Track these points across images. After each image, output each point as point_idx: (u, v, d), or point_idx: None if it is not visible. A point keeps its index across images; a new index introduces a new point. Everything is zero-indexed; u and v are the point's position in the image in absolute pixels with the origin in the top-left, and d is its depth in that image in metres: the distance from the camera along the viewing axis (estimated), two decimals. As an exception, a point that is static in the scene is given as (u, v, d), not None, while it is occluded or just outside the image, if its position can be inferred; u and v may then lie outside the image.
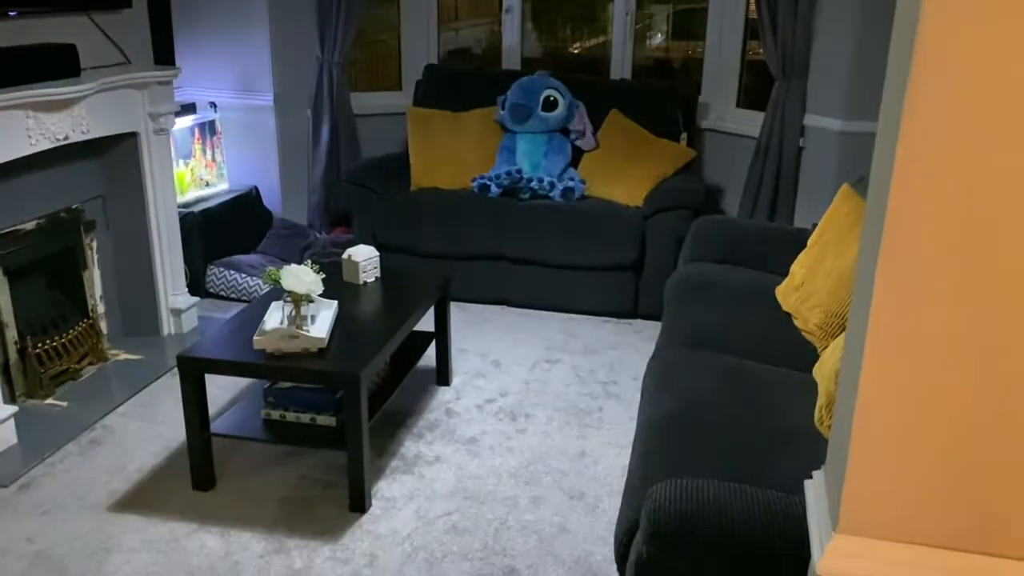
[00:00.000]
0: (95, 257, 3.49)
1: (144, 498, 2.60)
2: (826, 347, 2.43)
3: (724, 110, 4.54)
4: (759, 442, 2.07)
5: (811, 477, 1.30)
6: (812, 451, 2.02)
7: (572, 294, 4.02)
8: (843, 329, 2.47)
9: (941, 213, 0.91)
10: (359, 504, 2.53)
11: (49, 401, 3.15)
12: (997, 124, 0.87)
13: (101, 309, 3.53)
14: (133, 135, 3.44)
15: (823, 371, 2.23)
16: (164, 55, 3.81)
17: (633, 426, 3.02)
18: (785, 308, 2.80)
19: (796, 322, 2.68)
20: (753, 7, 4.22)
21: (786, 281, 2.90)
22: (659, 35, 5.53)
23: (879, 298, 0.94)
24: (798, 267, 2.87)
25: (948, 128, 0.89)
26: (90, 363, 3.41)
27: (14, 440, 2.86)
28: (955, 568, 0.97)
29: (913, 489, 0.98)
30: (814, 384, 2.26)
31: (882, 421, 0.96)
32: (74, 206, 3.36)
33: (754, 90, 4.47)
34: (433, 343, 3.29)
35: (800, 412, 2.18)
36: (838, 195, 2.90)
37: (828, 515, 1.04)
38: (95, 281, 3.50)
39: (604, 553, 2.37)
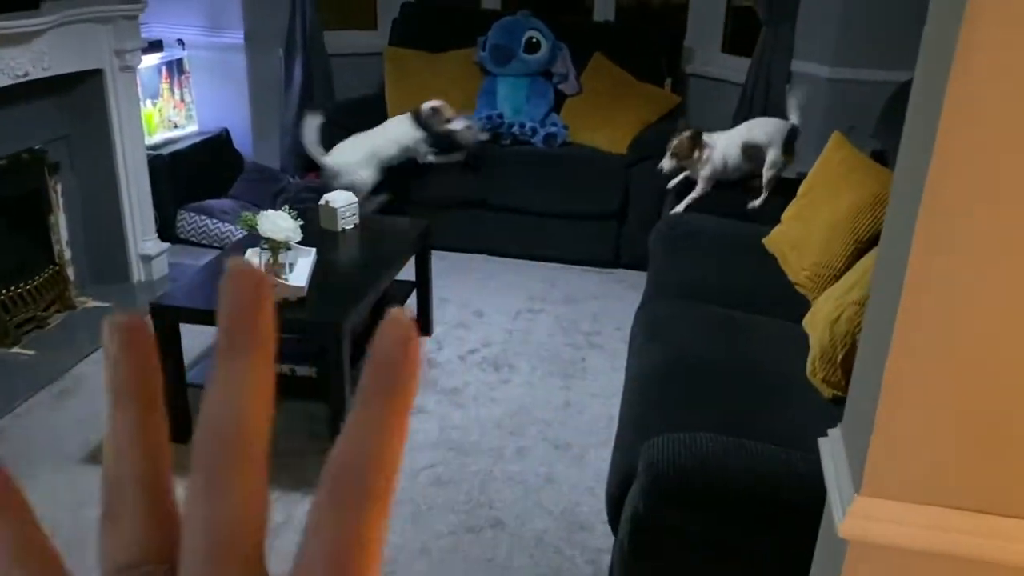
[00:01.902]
0: (60, 201, 3.35)
1: (118, 450, 2.53)
2: (817, 298, 2.40)
3: (709, 55, 4.45)
4: (752, 393, 2.04)
5: (807, 434, 1.26)
6: (805, 402, 2.00)
7: (554, 242, 3.95)
8: (834, 279, 2.44)
9: (984, 168, 0.86)
10: (341, 456, 2.48)
11: (15, 350, 3.04)
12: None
13: (68, 255, 3.40)
14: (98, 72, 3.28)
15: (815, 322, 2.20)
16: (128, -12, 3.61)
17: (617, 376, 2.99)
18: (778, 257, 2.76)
19: (787, 273, 2.65)
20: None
21: (776, 230, 2.86)
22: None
23: (916, 257, 0.88)
24: (788, 217, 2.82)
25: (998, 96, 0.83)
26: (57, 311, 3.30)
27: (-20, 390, 2.76)
28: (983, 531, 0.94)
29: (940, 451, 0.94)
30: (805, 335, 2.23)
31: (910, 383, 0.92)
32: (37, 147, 3.20)
33: (740, 35, 4.37)
34: (414, 293, 3.22)
35: (791, 363, 2.15)
36: (829, 144, 2.84)
37: (849, 476, 1.00)
38: (61, 226, 3.36)
39: (591, 504, 2.35)
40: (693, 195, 3.31)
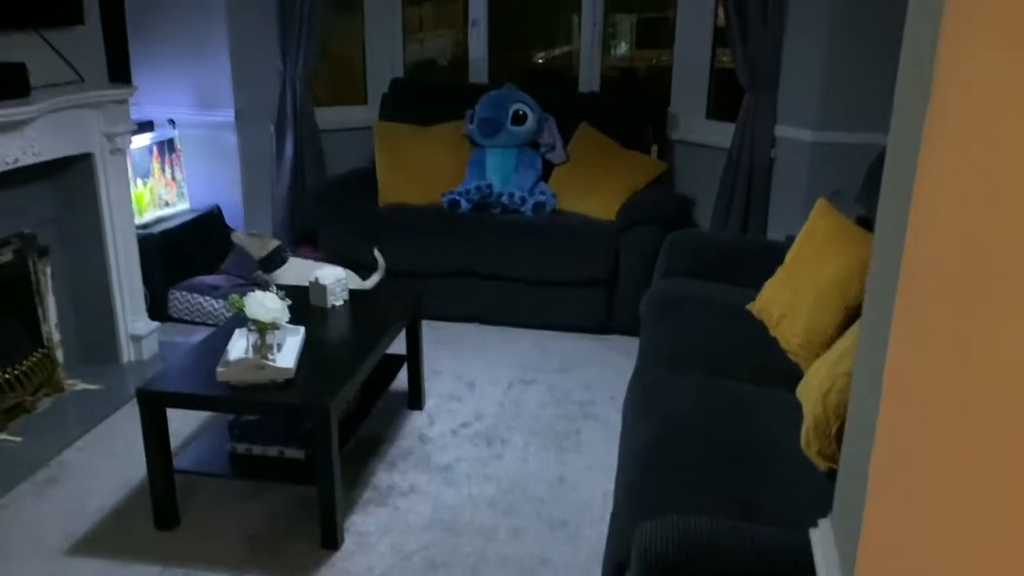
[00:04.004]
0: (49, 284, 3.34)
1: (104, 540, 2.47)
2: (809, 365, 2.38)
3: (694, 121, 4.51)
4: (746, 468, 2.00)
5: (805, 510, 1.23)
6: (800, 476, 1.96)
7: (546, 310, 3.94)
8: (825, 347, 2.43)
9: (958, 249, 0.85)
10: (332, 540, 2.42)
11: (2, 436, 3.00)
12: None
13: (57, 337, 3.38)
14: (87, 156, 3.30)
15: (808, 392, 2.18)
16: (119, 72, 3.68)
17: (612, 448, 2.95)
18: (767, 324, 2.75)
19: (779, 341, 2.63)
20: (721, 16, 4.18)
21: (762, 295, 2.85)
22: (623, 44, 5.50)
23: (898, 336, 0.87)
24: (774, 284, 2.82)
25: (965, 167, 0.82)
26: (46, 394, 3.26)
27: (-36, 480, 2.71)
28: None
29: (933, 548, 0.91)
30: (798, 405, 2.21)
31: (899, 473, 0.90)
32: (26, 231, 3.21)
33: (724, 99, 4.44)
34: (404, 366, 3.19)
35: (785, 434, 2.12)
36: (814, 210, 2.86)
37: (839, 571, 0.97)
38: (50, 308, 3.35)
39: (588, 585, 2.29)
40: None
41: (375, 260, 3.50)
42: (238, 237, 3.37)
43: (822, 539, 1.04)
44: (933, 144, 0.85)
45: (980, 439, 0.88)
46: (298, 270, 3.30)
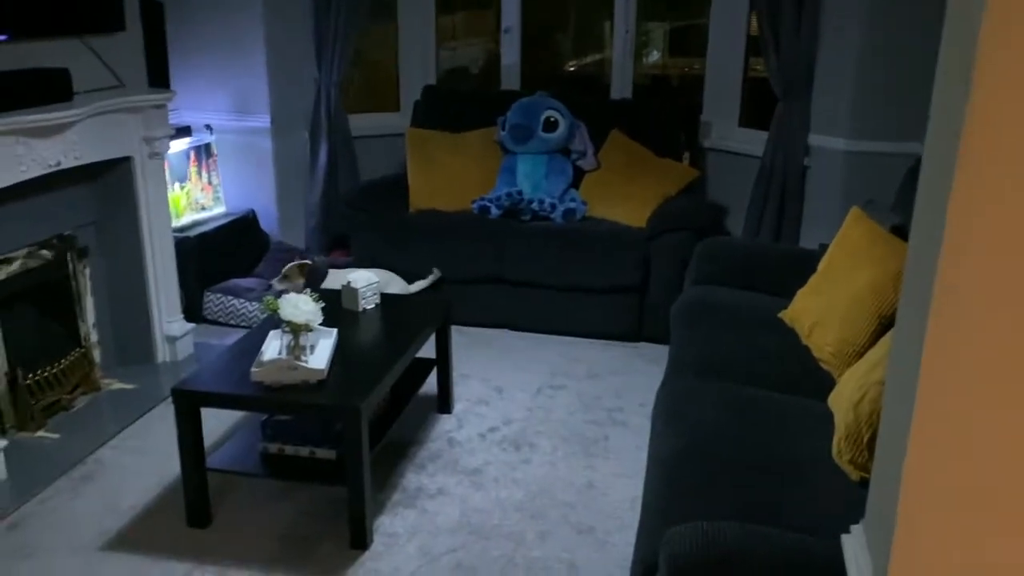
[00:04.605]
0: (88, 284, 3.41)
1: (137, 537, 2.51)
2: (841, 374, 2.36)
3: (727, 129, 4.49)
4: (775, 477, 1.99)
5: (835, 519, 1.22)
6: (832, 485, 1.94)
7: (575, 317, 3.94)
8: (858, 356, 2.40)
9: (994, 260, 0.84)
10: (360, 541, 2.45)
11: (40, 433, 3.06)
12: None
13: (94, 337, 3.45)
14: (127, 160, 3.37)
15: (839, 401, 2.16)
16: (159, 78, 3.74)
17: (641, 455, 2.94)
18: (799, 332, 2.73)
19: (811, 350, 2.61)
20: (754, 24, 4.17)
21: (794, 304, 2.84)
22: (655, 52, 5.49)
23: (931, 348, 0.87)
24: (806, 292, 2.80)
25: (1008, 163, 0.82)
26: (83, 393, 3.33)
27: (4, 475, 2.77)
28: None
29: (968, 553, 0.90)
30: (829, 414, 2.19)
31: (935, 482, 0.89)
32: (66, 233, 3.28)
33: (756, 108, 4.42)
34: (435, 370, 3.21)
35: (815, 443, 2.10)
36: (848, 218, 2.83)
37: (872, 577, 0.97)
38: (88, 309, 3.42)
39: (615, 591, 2.28)
40: None
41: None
42: (283, 283, 3.73)
43: (854, 545, 1.04)
44: (970, 152, 0.84)
45: (1012, 448, 0.87)
46: (340, 279, 3.38)
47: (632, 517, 2.56)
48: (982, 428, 0.89)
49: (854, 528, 1.06)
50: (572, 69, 5.67)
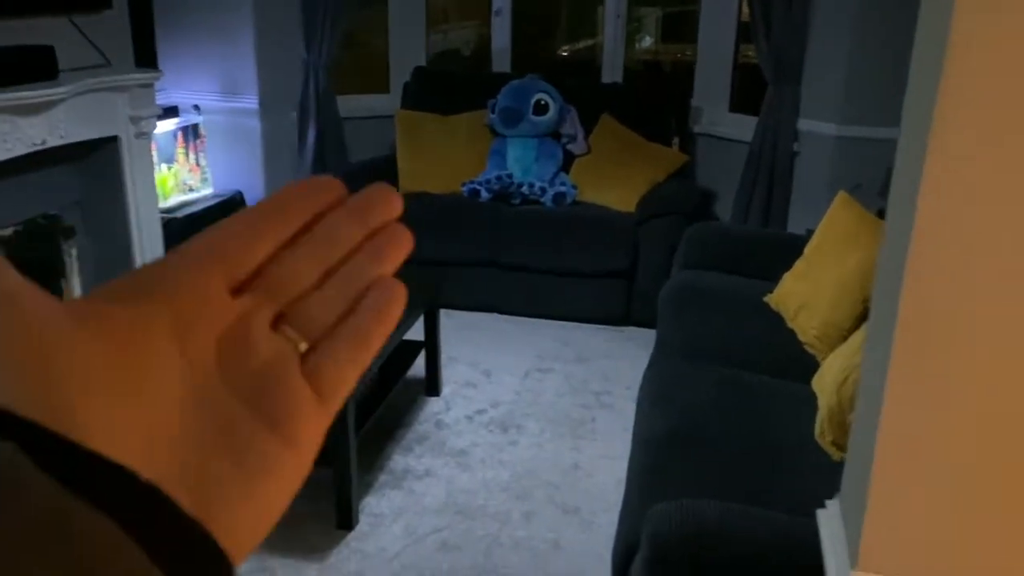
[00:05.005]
0: (74, 265, 3.40)
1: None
2: (826, 357, 2.38)
3: (717, 114, 4.49)
4: (759, 458, 2.01)
5: (817, 499, 1.23)
6: (814, 466, 1.96)
7: (564, 301, 3.95)
8: (842, 339, 2.42)
9: (972, 228, 0.85)
10: (346, 521, 2.45)
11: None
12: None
13: (80, 318, 3.43)
14: (113, 139, 3.35)
15: (823, 383, 2.17)
16: (146, 57, 3.72)
17: (627, 437, 2.95)
18: (784, 316, 2.74)
19: (796, 333, 2.63)
20: (746, 10, 4.16)
21: (780, 288, 2.85)
22: (648, 38, 5.48)
23: (902, 332, 0.87)
24: (793, 276, 2.81)
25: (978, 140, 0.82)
26: (69, 373, 3.31)
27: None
28: (984, 610, 0.91)
29: (938, 526, 0.91)
30: (813, 396, 2.20)
31: (905, 458, 0.90)
32: (52, 212, 3.26)
33: (747, 94, 4.41)
34: (422, 352, 3.21)
35: (800, 425, 2.12)
36: (835, 202, 2.84)
37: (846, 550, 0.98)
38: (74, 289, 3.40)
39: (599, 571, 2.29)
40: None
41: None
42: None
43: (829, 519, 1.05)
44: (942, 135, 0.85)
45: (981, 422, 0.88)
46: None
47: (617, 498, 2.56)
48: (954, 404, 0.90)
49: (829, 503, 1.07)
50: (564, 54, 5.65)
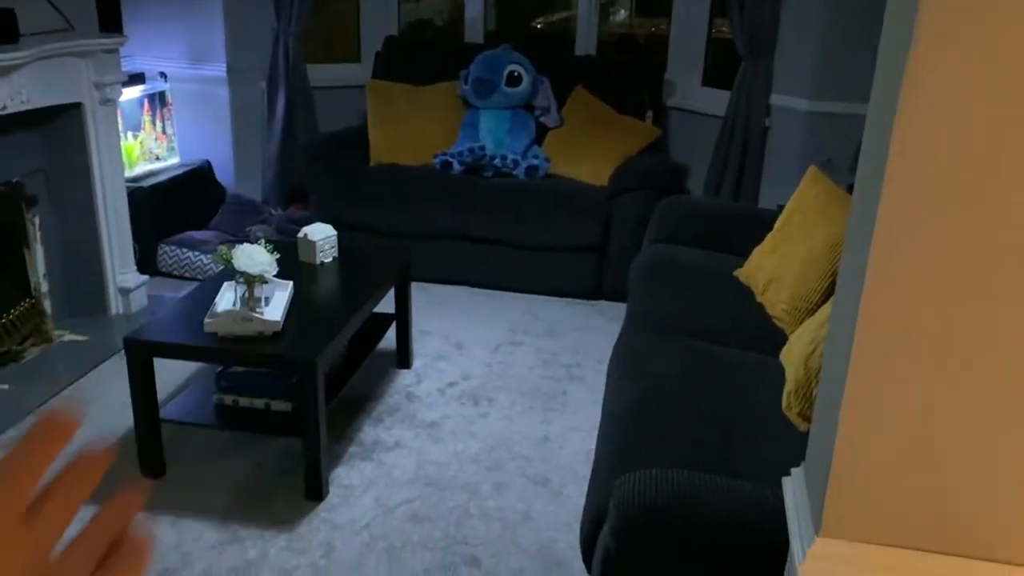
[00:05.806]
0: (37, 234, 3.33)
1: (89, 487, 2.49)
2: (794, 331, 2.40)
3: (690, 88, 4.49)
4: (727, 429, 2.03)
5: (783, 469, 1.25)
6: (781, 437, 1.99)
7: (535, 274, 3.95)
8: (810, 313, 2.44)
9: (936, 202, 0.86)
10: (316, 492, 2.45)
11: (-11, 384, 3.00)
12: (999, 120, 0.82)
13: (45, 288, 3.37)
14: (77, 106, 3.28)
15: (791, 356, 2.20)
16: (111, 22, 3.63)
17: (598, 410, 2.97)
18: (754, 290, 2.77)
19: (765, 307, 2.65)
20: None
21: (750, 262, 2.87)
22: (622, 11, 5.45)
23: (868, 294, 0.88)
24: (762, 251, 2.83)
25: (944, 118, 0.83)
26: (34, 344, 3.27)
27: (-49, 426, 2.72)
28: (943, 572, 0.93)
29: (901, 490, 0.93)
30: (781, 369, 2.23)
31: (868, 423, 0.91)
32: (14, 180, 3.19)
33: (720, 68, 4.41)
34: (393, 325, 3.20)
35: (767, 397, 2.14)
36: (805, 177, 2.86)
37: (810, 516, 0.99)
38: (38, 259, 3.34)
39: (569, 541, 2.32)
40: None
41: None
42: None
43: (794, 486, 1.06)
44: (910, 106, 0.85)
45: (939, 391, 0.90)
46: None
47: (587, 469, 2.59)
48: (917, 373, 0.91)
49: (794, 471, 1.09)
50: (539, 26, 5.60)
